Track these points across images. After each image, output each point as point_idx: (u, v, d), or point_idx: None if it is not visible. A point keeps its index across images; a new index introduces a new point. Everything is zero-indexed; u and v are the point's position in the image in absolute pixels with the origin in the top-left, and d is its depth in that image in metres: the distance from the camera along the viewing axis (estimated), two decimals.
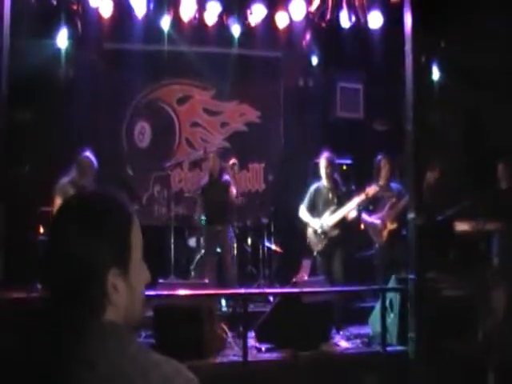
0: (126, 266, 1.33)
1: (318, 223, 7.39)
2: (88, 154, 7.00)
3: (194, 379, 1.30)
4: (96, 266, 1.29)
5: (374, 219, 7.52)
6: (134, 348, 1.30)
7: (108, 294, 1.29)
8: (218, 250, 7.85)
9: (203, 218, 8.08)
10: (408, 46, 6.23)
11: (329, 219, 7.35)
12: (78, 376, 1.23)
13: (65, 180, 6.87)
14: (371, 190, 7.28)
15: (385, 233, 7.44)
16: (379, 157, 7.62)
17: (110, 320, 1.30)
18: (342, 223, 7.37)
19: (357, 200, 7.27)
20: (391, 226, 7.38)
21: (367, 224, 7.62)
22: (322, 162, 7.51)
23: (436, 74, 9.33)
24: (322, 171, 7.50)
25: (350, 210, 7.31)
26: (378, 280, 7.33)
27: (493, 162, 7.42)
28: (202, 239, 8.15)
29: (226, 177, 8.07)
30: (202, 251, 8.14)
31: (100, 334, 1.28)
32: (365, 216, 7.57)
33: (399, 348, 5.98)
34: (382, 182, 7.53)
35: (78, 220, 1.31)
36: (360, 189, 7.46)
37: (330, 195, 7.49)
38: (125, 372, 1.24)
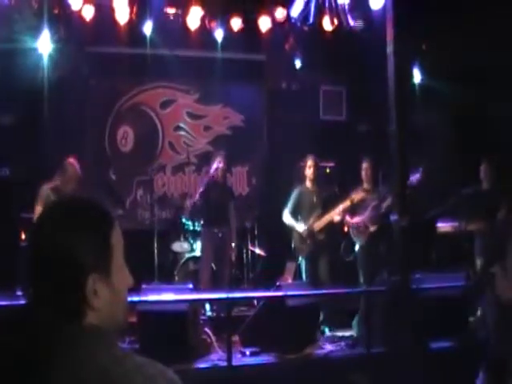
0: (107, 270, 1.32)
1: (302, 227, 7.42)
2: (72, 160, 6.93)
3: (178, 381, 1.30)
4: (76, 271, 1.28)
5: (356, 221, 7.54)
6: (116, 351, 1.29)
7: (87, 299, 1.29)
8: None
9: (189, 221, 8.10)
10: (390, 49, 6.28)
11: (315, 224, 7.39)
12: (58, 381, 1.22)
13: (47, 186, 6.77)
14: (356, 195, 7.32)
15: (365, 234, 7.47)
16: (362, 161, 7.64)
17: (91, 324, 1.29)
18: (328, 227, 7.41)
19: (342, 205, 7.31)
20: (372, 228, 7.41)
21: (350, 226, 7.64)
22: (307, 165, 7.53)
23: (418, 76, 9.40)
24: (307, 174, 7.53)
25: (335, 215, 7.35)
26: (362, 281, 7.37)
27: (476, 162, 7.49)
28: (198, 241, 8.08)
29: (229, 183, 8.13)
30: (187, 255, 8.11)
31: (79, 338, 1.27)
32: (348, 218, 7.59)
33: (384, 349, 5.98)
34: (365, 186, 7.56)
35: (59, 225, 1.31)
36: (344, 192, 7.49)
37: (315, 199, 7.52)
38: (108, 375, 1.23)
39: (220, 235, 7.60)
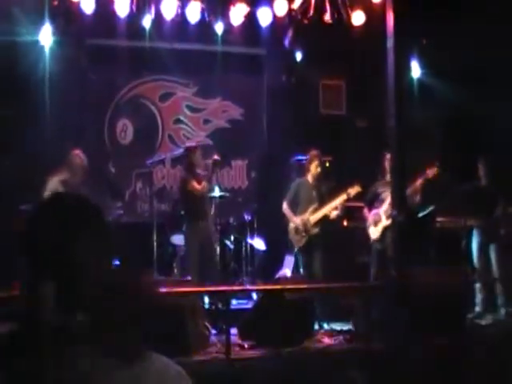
0: None
1: (299, 221, 7.44)
2: (78, 151, 6.99)
3: (186, 375, 1.33)
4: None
5: (373, 214, 7.55)
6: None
7: None
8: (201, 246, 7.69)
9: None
10: (390, 43, 6.27)
11: (310, 217, 7.40)
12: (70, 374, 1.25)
13: (57, 179, 6.83)
14: (353, 190, 7.33)
15: (379, 228, 7.46)
16: (384, 153, 7.44)
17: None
18: (324, 222, 7.43)
19: (338, 200, 7.32)
20: (386, 222, 7.35)
21: (367, 218, 7.64)
22: (314, 163, 7.51)
23: (417, 71, 9.39)
24: (311, 169, 7.52)
25: (331, 209, 7.37)
26: (372, 275, 7.38)
27: (474, 158, 7.51)
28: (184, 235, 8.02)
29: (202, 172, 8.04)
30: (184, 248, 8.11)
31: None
32: (365, 210, 7.61)
33: (381, 344, 6.00)
34: (388, 178, 7.48)
35: (87, 227, 1.33)
36: (342, 187, 7.49)
37: (314, 193, 7.53)
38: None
39: (204, 228, 7.54)
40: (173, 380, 1.32)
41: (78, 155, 6.95)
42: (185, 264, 7.73)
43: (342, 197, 7.32)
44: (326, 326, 6.97)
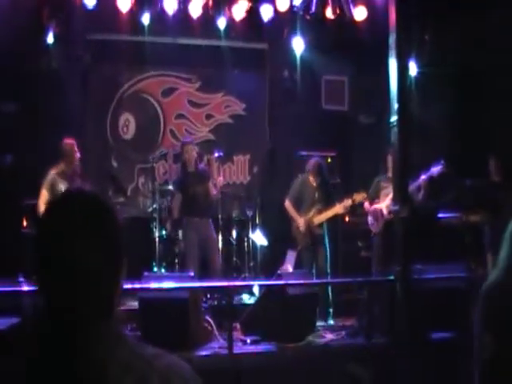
0: None
1: (302, 221, 7.43)
2: (69, 140, 7.04)
3: (193, 374, 1.33)
4: (117, 271, 1.32)
5: (375, 208, 7.54)
6: (133, 343, 1.32)
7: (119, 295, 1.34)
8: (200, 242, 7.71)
9: None
10: (392, 39, 6.24)
11: (314, 219, 7.40)
12: (92, 376, 1.23)
13: (53, 172, 6.90)
14: (358, 196, 7.31)
15: (381, 222, 7.46)
16: (387, 149, 7.36)
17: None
18: (327, 222, 7.43)
19: (343, 205, 7.29)
20: (388, 216, 7.33)
21: (368, 212, 7.63)
22: (311, 171, 7.49)
23: (419, 67, 9.36)
24: (310, 177, 7.51)
25: (335, 211, 7.36)
26: (374, 269, 7.37)
27: (482, 154, 7.48)
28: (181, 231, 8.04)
29: (204, 167, 8.05)
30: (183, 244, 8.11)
31: (110, 332, 1.29)
32: (367, 204, 7.60)
33: (384, 340, 6.01)
34: (390, 174, 7.43)
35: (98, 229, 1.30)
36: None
37: (316, 194, 7.51)
38: (136, 367, 1.26)
39: (203, 224, 7.61)
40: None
41: (69, 143, 6.99)
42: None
43: (347, 202, 7.29)
44: (328, 321, 6.98)
